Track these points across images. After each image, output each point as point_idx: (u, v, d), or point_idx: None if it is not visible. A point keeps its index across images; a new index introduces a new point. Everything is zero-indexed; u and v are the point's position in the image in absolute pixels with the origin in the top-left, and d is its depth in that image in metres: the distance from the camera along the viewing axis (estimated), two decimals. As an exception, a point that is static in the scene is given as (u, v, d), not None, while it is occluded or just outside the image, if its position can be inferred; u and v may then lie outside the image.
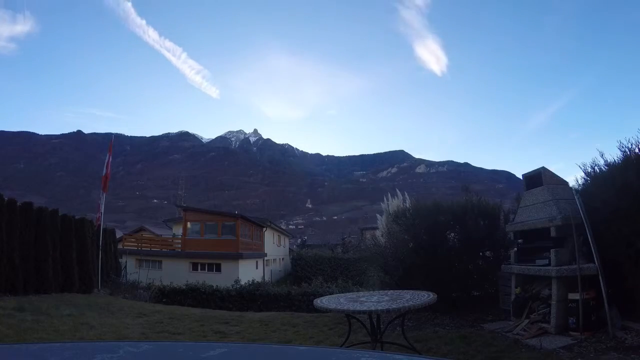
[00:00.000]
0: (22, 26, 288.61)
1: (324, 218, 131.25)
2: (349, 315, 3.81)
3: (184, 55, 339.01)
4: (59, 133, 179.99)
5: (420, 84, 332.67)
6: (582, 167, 4.66)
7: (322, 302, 3.77)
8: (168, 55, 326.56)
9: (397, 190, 7.50)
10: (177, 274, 16.91)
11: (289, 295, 11.45)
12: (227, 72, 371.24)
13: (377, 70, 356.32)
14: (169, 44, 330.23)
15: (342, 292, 7.38)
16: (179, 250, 21.00)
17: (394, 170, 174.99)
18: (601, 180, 4.29)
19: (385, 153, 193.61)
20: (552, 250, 4.22)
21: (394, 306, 3.32)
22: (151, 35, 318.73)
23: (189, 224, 21.48)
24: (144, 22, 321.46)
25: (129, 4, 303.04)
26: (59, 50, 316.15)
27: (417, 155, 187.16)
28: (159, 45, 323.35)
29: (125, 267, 13.47)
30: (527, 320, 4.33)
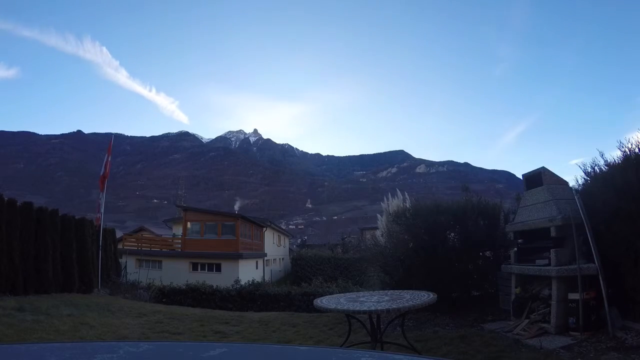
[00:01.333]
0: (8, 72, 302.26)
1: (324, 218, 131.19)
2: (349, 315, 3.81)
3: (154, 89, 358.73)
4: (59, 133, 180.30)
5: (419, 84, 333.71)
6: (582, 167, 4.67)
7: (322, 302, 3.77)
8: (140, 89, 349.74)
9: (397, 190, 7.50)
10: (177, 274, 16.89)
11: (289, 295, 11.44)
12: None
13: (377, 71, 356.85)
14: (138, 81, 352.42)
15: (342, 292, 7.38)
16: (179, 250, 20.98)
17: (394, 170, 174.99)
18: (601, 181, 4.28)
19: (385, 153, 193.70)
20: (552, 250, 4.22)
21: (394, 306, 3.32)
22: (124, 73, 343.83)
23: (189, 224, 21.47)
24: (117, 62, 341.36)
25: (105, 49, 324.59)
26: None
27: (417, 155, 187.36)
28: (130, 81, 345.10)
29: (125, 267, 13.45)
30: (527, 320, 4.33)
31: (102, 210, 10.99)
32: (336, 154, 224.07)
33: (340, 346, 3.81)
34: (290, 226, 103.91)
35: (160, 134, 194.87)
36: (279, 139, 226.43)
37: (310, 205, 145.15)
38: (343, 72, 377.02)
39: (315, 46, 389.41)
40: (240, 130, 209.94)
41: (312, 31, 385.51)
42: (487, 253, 6.18)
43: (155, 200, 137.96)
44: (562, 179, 4.87)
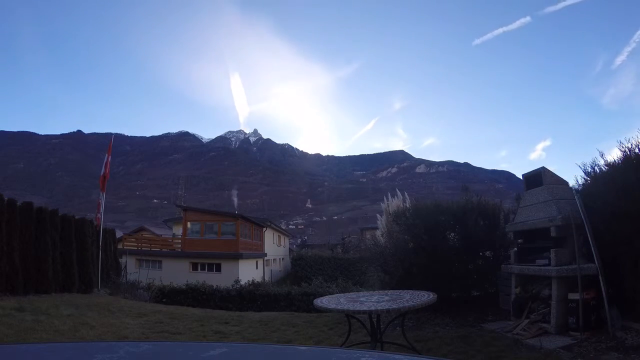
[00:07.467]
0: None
1: (324, 218, 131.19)
2: (349, 315, 3.81)
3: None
4: (59, 133, 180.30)
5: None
6: (582, 167, 4.66)
7: (322, 302, 3.77)
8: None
9: (397, 190, 7.49)
10: (177, 274, 16.90)
11: (289, 295, 11.45)
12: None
13: (377, 70, 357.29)
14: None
15: (342, 292, 7.38)
16: (179, 250, 20.99)
17: (394, 170, 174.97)
18: (601, 181, 4.28)
19: (385, 153, 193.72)
20: (552, 250, 4.22)
21: (394, 306, 3.32)
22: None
23: (189, 224, 21.47)
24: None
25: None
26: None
27: (417, 155, 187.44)
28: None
29: (125, 267, 13.44)
30: (527, 320, 4.33)
31: (102, 210, 10.99)
32: (336, 154, 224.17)
33: (340, 346, 3.82)
34: (290, 226, 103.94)
35: (160, 134, 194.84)
36: (279, 139, 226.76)
37: (310, 205, 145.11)
38: (343, 71, 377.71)
39: (315, 45, 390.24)
40: (240, 130, 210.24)
41: (313, 31, 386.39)
42: (487, 253, 6.18)
43: (155, 200, 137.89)
44: (562, 178, 4.87)
